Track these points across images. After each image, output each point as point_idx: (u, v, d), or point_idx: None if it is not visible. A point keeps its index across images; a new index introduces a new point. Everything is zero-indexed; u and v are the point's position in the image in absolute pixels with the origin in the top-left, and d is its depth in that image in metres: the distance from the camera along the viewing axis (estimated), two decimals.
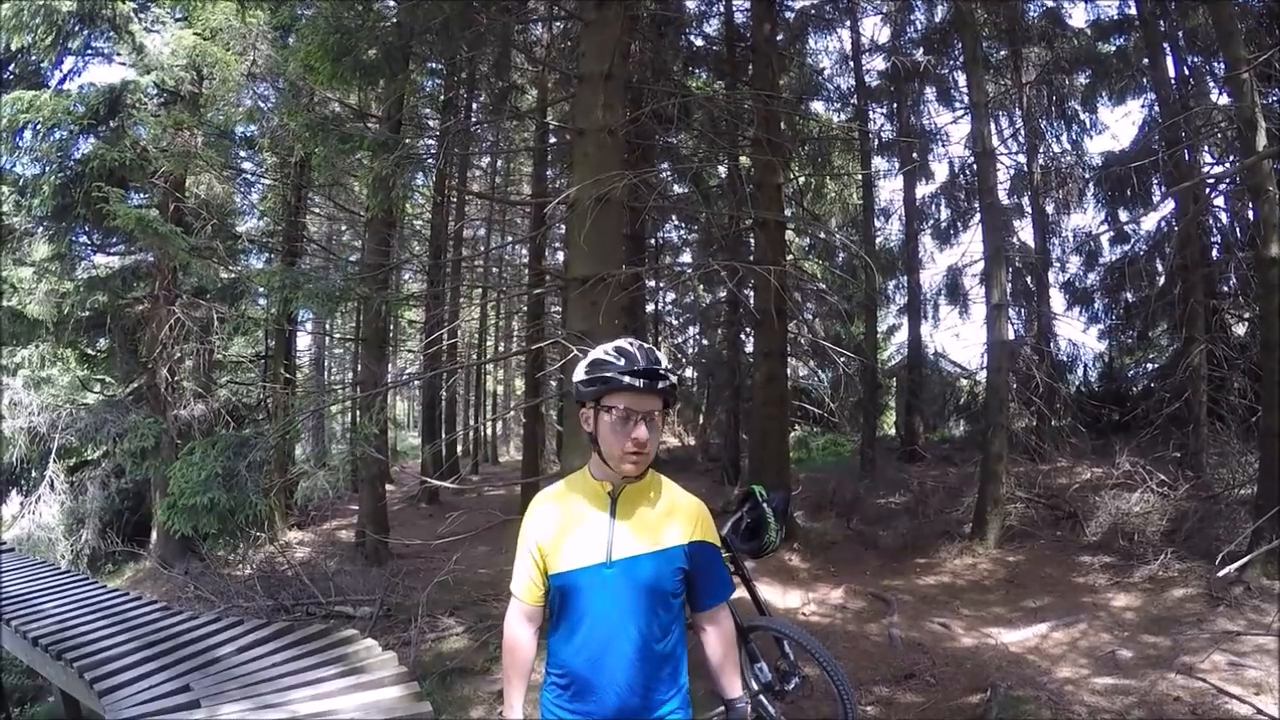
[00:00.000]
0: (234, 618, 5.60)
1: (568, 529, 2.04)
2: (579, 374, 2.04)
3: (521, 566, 2.11)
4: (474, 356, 21.80)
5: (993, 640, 6.22)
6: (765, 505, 4.63)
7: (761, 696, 4.18)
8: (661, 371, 1.95)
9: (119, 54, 10.37)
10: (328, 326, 22.29)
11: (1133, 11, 11.79)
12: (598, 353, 2.03)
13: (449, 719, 5.15)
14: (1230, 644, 5.40)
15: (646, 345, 2.03)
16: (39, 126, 9.48)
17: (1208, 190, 9.95)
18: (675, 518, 2.07)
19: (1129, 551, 7.56)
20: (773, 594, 8.05)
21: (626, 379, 1.92)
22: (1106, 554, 7.81)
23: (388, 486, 14.72)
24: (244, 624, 5.32)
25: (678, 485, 2.18)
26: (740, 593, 4.66)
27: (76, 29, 9.52)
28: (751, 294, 11.28)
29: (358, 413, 11.82)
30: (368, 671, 4.45)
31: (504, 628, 2.19)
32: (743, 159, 11.52)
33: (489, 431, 26.15)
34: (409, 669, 4.66)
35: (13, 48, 9.34)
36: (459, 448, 22.58)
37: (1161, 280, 11.72)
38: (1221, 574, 6.00)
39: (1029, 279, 13.40)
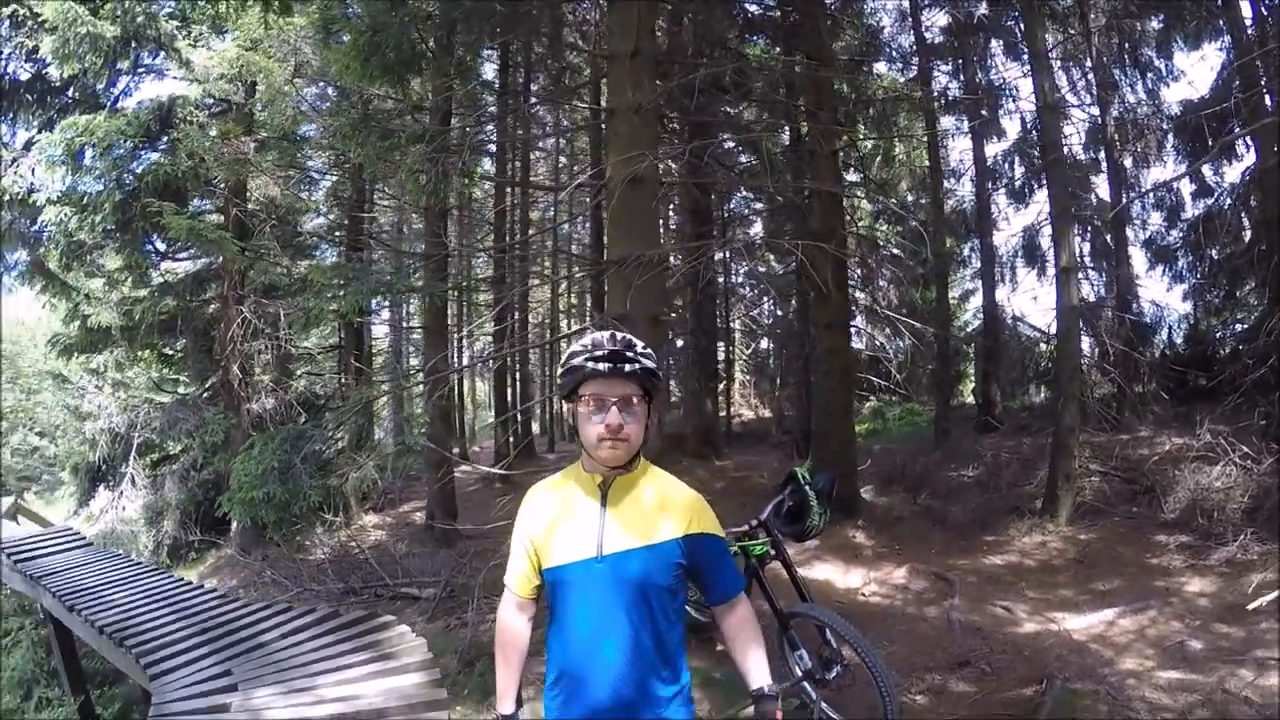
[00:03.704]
0: (283, 605, 5.85)
1: (559, 522, 2.03)
2: (558, 373, 2.05)
3: (515, 559, 2.12)
4: (547, 334, 22.02)
5: (1056, 626, 5.93)
6: (808, 488, 4.52)
7: (804, 684, 4.11)
8: (629, 355, 1.93)
9: (168, 69, 10.77)
10: (404, 313, 22.79)
11: None
12: (572, 347, 2.03)
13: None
14: None
15: (623, 334, 2.01)
16: (96, 147, 9.89)
17: None
18: (669, 511, 2.02)
19: (1207, 531, 7.07)
20: (834, 572, 7.92)
21: (590, 365, 1.93)
22: (1184, 533, 7.32)
23: (464, 467, 15.01)
24: (291, 610, 5.55)
25: (674, 477, 2.14)
26: (782, 575, 4.58)
27: (124, 50, 9.87)
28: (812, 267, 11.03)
29: (420, 399, 12.09)
30: (395, 658, 4.60)
31: (497, 619, 2.21)
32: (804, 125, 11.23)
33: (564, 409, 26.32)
34: (434, 655, 4.80)
35: (65, 76, 9.77)
36: (535, 425, 22.83)
37: (1248, 235, 10.93)
38: None
39: (1108, 237, 12.70)
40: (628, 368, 1.92)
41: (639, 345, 1.98)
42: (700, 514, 2.05)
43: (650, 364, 1.97)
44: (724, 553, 2.12)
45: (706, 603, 2.15)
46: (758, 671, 2.06)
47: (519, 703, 2.17)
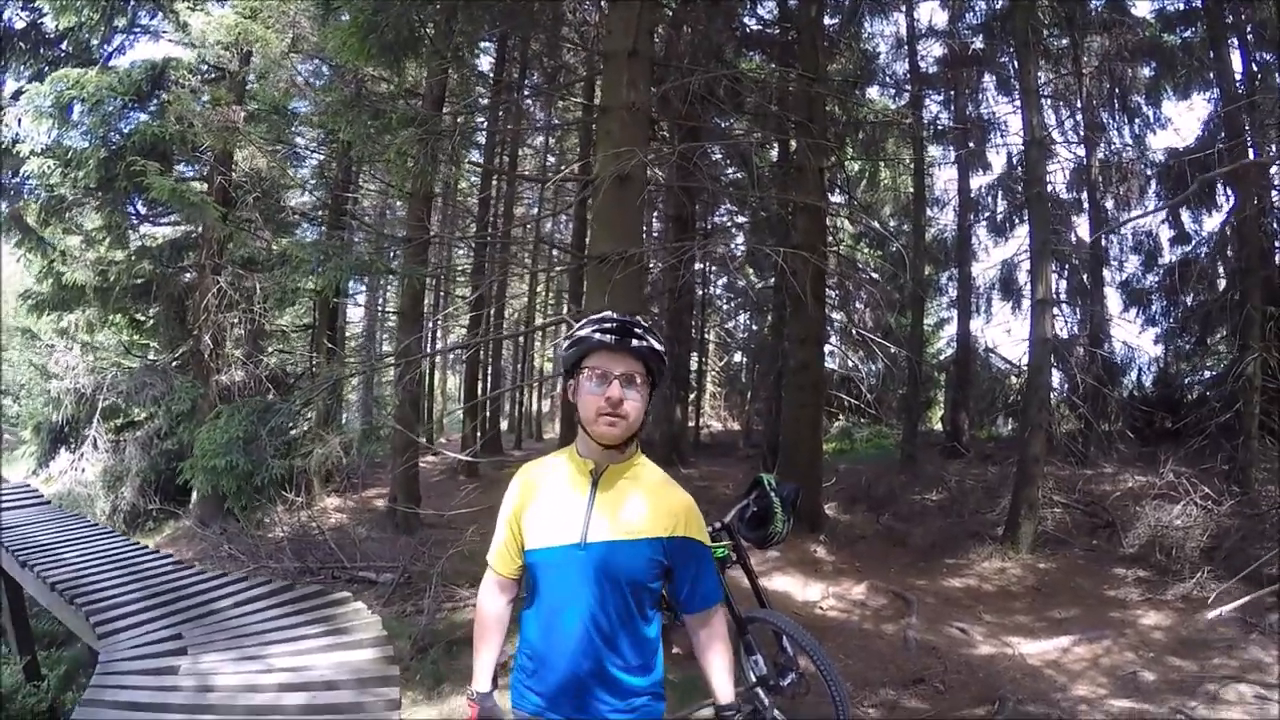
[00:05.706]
0: (238, 575, 5.77)
1: (546, 504, 2.01)
2: (562, 346, 2.03)
3: (498, 537, 2.10)
4: (522, 328, 21.92)
5: (1011, 650, 5.99)
6: (773, 494, 4.50)
7: (757, 689, 4.09)
8: (637, 331, 1.92)
9: (165, 31, 10.65)
10: (381, 298, 22.58)
11: (1199, 3, 11.19)
12: (579, 322, 2.01)
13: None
14: (1259, 674, 5.09)
15: (634, 317, 2.00)
16: (85, 102, 9.72)
17: (1273, 184, 9.36)
18: (658, 508, 1.99)
19: (1165, 567, 7.19)
20: (794, 585, 7.94)
21: (597, 336, 1.91)
22: (1142, 567, 7.44)
23: (430, 458, 14.85)
24: (246, 580, 5.48)
25: (668, 476, 2.10)
26: (742, 581, 4.58)
27: (122, 7, 9.72)
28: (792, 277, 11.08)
29: (390, 384, 12.00)
30: (348, 633, 4.57)
31: (478, 597, 2.17)
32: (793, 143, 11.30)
33: (535, 408, 26.22)
34: (389, 634, 4.74)
35: (61, 27, 9.60)
36: (504, 422, 22.68)
37: (1223, 283, 11.15)
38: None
39: (1085, 276, 12.89)
40: (635, 343, 1.91)
41: (647, 325, 1.97)
42: (688, 517, 2.02)
43: (657, 345, 1.95)
44: (707, 560, 2.08)
45: (682, 610, 2.10)
46: (723, 686, 2.06)
47: (494, 683, 2.13)
